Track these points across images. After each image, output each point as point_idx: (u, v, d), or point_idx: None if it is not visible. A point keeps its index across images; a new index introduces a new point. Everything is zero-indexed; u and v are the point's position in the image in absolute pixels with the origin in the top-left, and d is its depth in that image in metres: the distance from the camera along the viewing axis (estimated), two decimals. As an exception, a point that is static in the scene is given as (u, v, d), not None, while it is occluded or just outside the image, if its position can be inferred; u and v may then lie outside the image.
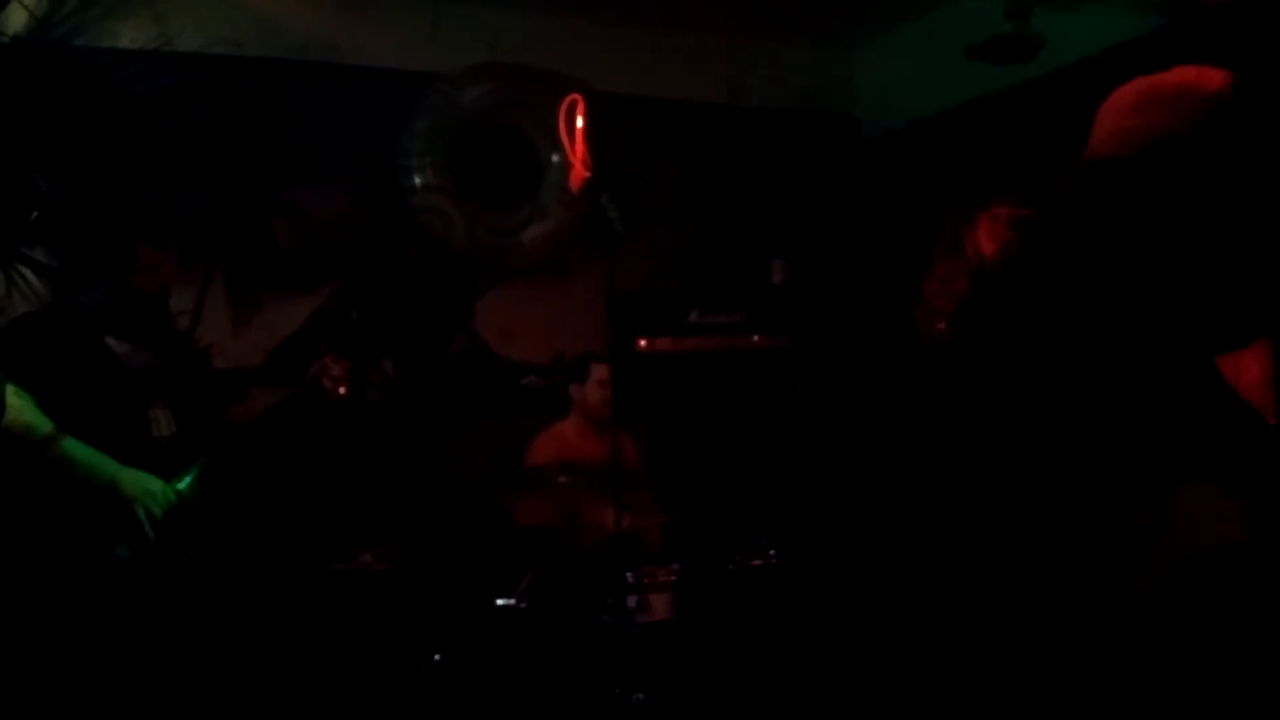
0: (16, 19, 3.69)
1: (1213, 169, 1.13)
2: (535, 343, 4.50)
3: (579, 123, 3.14)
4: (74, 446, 2.62)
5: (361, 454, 4.11)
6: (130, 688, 2.63)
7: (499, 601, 3.28)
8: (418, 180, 4.32)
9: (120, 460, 2.67)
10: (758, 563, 3.51)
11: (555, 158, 4.43)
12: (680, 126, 4.93)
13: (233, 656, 2.95)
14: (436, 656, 3.25)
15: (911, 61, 4.97)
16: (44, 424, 2.60)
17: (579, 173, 3.13)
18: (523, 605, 3.29)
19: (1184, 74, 1.22)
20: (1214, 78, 1.19)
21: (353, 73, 4.33)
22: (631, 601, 3.27)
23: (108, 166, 3.77)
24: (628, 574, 3.30)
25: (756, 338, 4.56)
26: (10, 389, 2.60)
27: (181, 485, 2.76)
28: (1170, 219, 1.13)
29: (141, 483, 2.67)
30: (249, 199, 4.15)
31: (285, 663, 3.24)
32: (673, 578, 3.41)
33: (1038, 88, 4.25)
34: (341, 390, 3.16)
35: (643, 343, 4.42)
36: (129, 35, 3.89)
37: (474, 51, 4.45)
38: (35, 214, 3.57)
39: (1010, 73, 4.12)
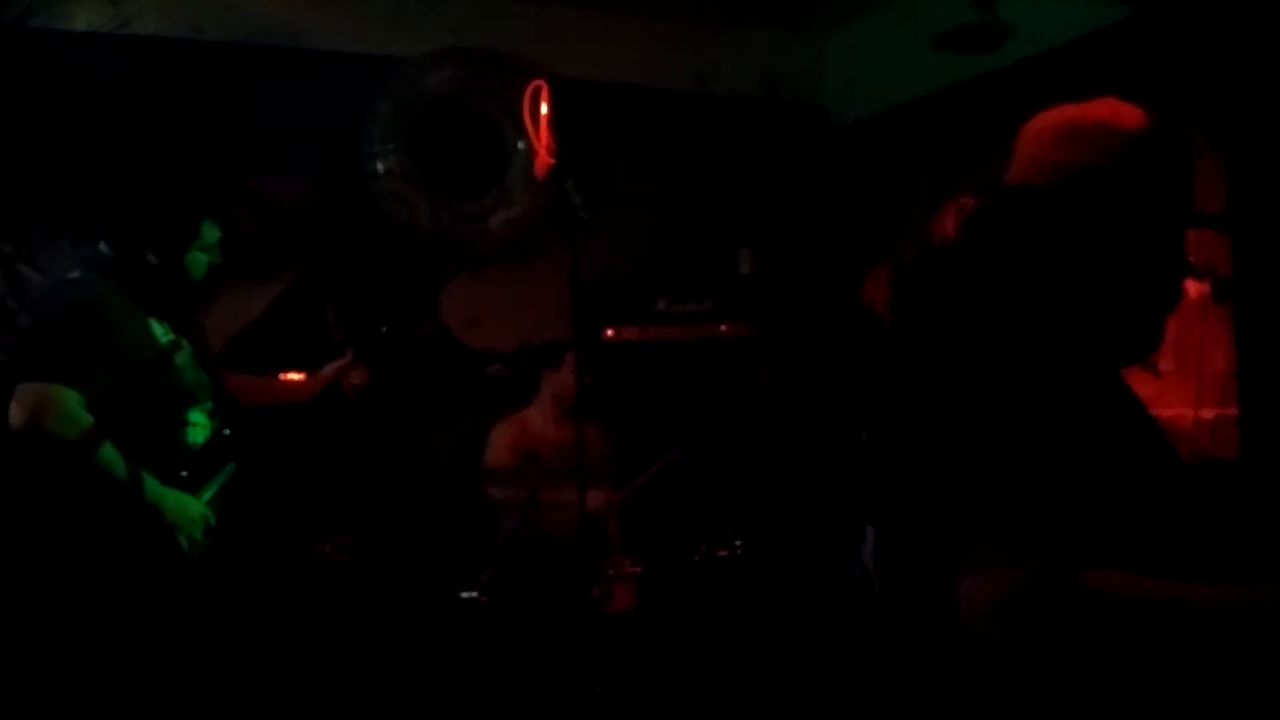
0: (-30, -1, 3.61)
1: (1123, 202, 1.28)
2: (501, 331, 4.46)
3: (544, 108, 3.11)
4: (120, 464, 2.50)
5: (325, 443, 4.07)
6: (93, 682, 2.59)
7: (462, 594, 3.25)
8: (381, 166, 4.27)
9: (155, 464, 2.58)
10: (723, 553, 3.50)
11: (521, 144, 4.38)
12: (647, 113, 4.90)
13: (192, 647, 2.91)
14: (399, 649, 3.22)
15: (880, 50, 4.96)
16: (83, 422, 2.47)
17: (544, 159, 3.10)
18: (484, 599, 3.27)
19: (1103, 109, 1.34)
20: (1131, 115, 1.32)
21: (314, 57, 4.27)
22: (596, 592, 3.25)
23: (63, 151, 3.70)
24: (593, 564, 3.28)
25: (724, 326, 4.55)
26: (67, 394, 2.47)
27: (207, 496, 2.69)
28: (1082, 248, 1.27)
29: (184, 509, 2.59)
30: (209, 184, 4.08)
31: (244, 654, 3.20)
32: (638, 568, 3.40)
33: (1006, 78, 4.25)
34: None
35: (610, 331, 4.39)
36: (85, 17, 3.81)
37: (438, 36, 4.39)
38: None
39: (979, 62, 4.12)
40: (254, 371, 3.26)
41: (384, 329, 3.25)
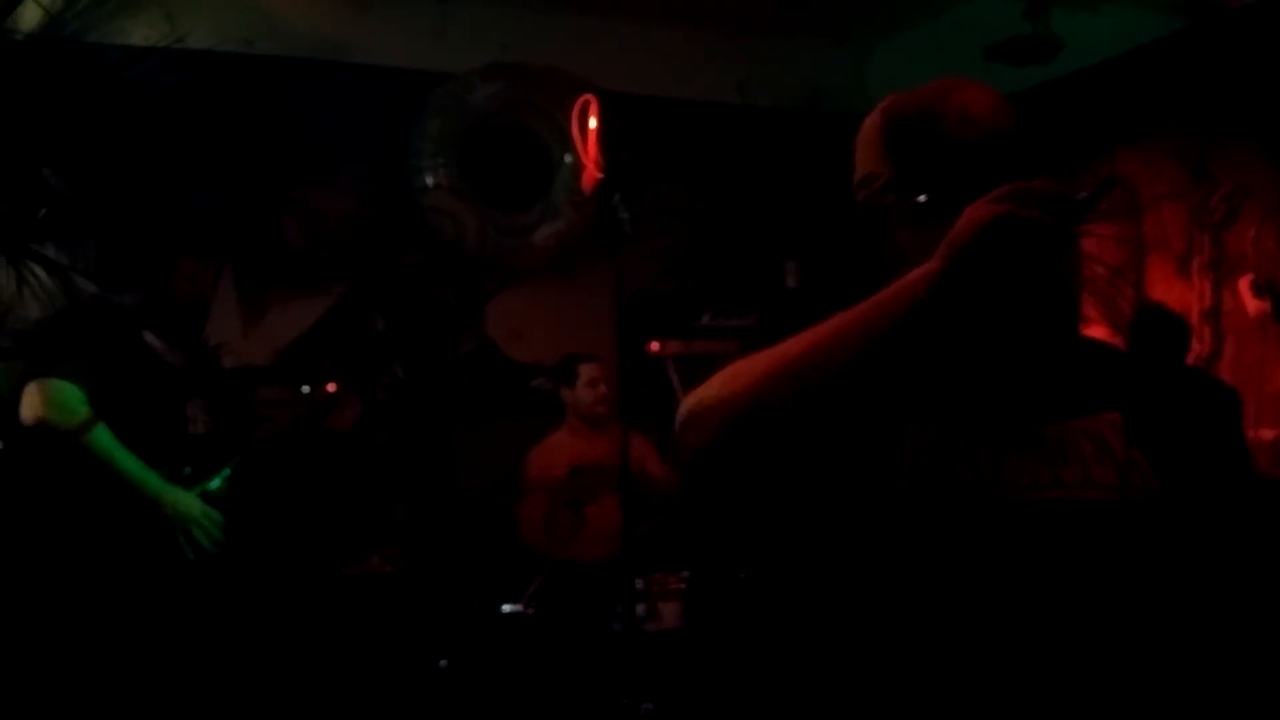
0: (30, 16, 3.68)
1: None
2: (545, 344, 4.46)
3: (592, 124, 3.11)
4: (119, 452, 2.61)
5: (370, 456, 4.09)
6: (138, 689, 2.61)
7: (506, 607, 3.24)
8: (428, 180, 4.29)
9: (156, 454, 2.67)
10: (766, 571, 3.46)
11: (566, 158, 4.39)
12: (691, 126, 4.89)
13: (239, 658, 2.93)
14: (443, 662, 3.22)
15: (928, 61, 4.91)
16: (80, 413, 2.60)
17: (591, 174, 3.09)
18: (530, 611, 3.26)
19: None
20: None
21: (363, 71, 4.31)
22: (640, 609, 3.23)
23: (118, 164, 3.76)
24: (637, 581, 3.26)
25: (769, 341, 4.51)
26: (68, 388, 2.61)
27: (213, 485, 2.76)
28: None
29: (184, 506, 2.67)
30: (259, 198, 4.13)
31: (291, 666, 3.22)
32: (683, 585, 3.37)
33: (1059, 89, 4.19)
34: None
35: (655, 345, 4.38)
36: (140, 32, 3.87)
37: (485, 51, 4.41)
38: (44, 211, 3.56)
39: (1030, 74, 4.07)
40: (304, 383, 3.29)
41: (465, 381, 3.34)
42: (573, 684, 3.19)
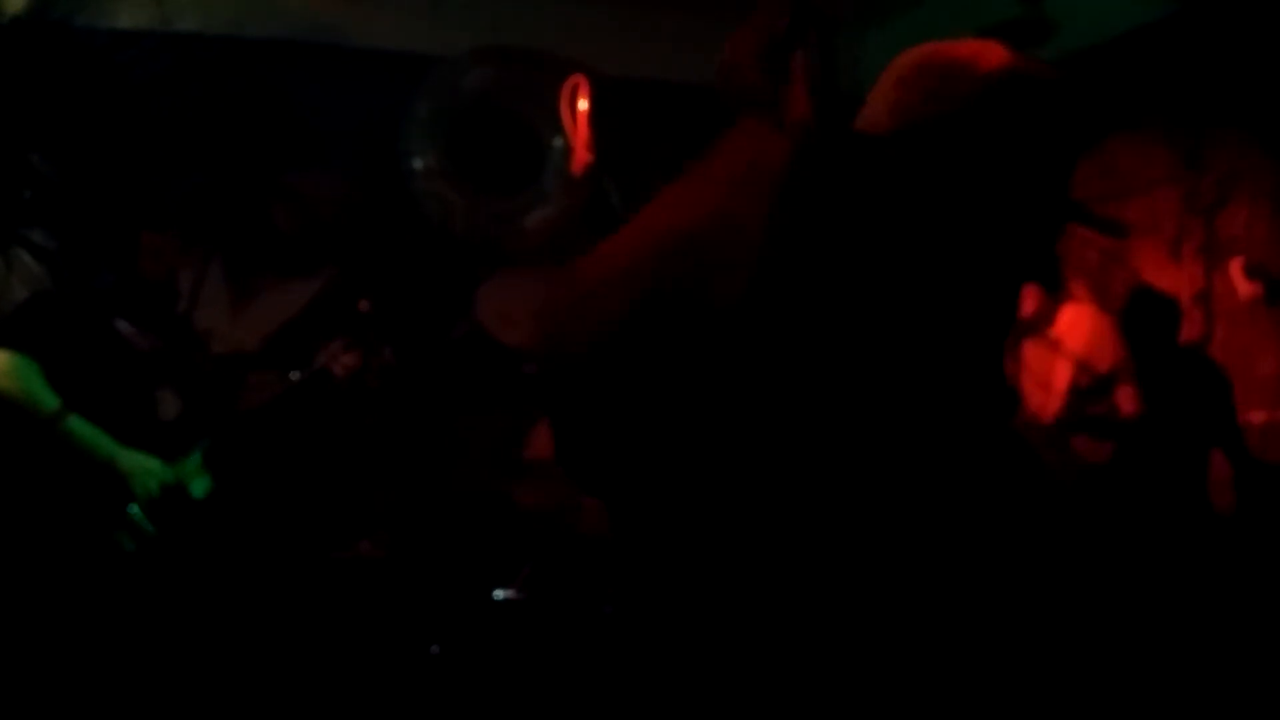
0: (17, -2, 3.66)
1: (967, 152, 1.06)
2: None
3: (582, 105, 3.09)
4: (78, 425, 2.62)
5: (361, 440, 4.08)
6: (122, 674, 2.61)
7: (497, 593, 3.24)
8: (418, 164, 4.27)
9: (125, 441, 2.67)
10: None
11: (558, 142, 4.37)
12: (684, 110, 4.86)
13: (226, 643, 2.93)
14: (435, 648, 3.22)
15: (921, 44, 4.90)
16: (50, 400, 2.60)
17: (581, 157, 3.08)
18: (522, 597, 3.26)
19: (966, 49, 1.12)
20: (993, 57, 1.09)
21: (354, 54, 4.29)
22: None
23: (106, 148, 3.74)
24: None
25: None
26: (20, 360, 2.61)
27: (183, 468, 2.74)
28: (917, 200, 1.04)
29: (138, 461, 2.66)
30: (248, 182, 4.11)
31: (280, 651, 3.21)
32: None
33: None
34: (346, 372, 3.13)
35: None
36: (129, 15, 3.85)
37: (477, 33, 4.39)
38: (29, 193, 3.55)
39: (1021, 58, 4.06)
40: (297, 367, 3.28)
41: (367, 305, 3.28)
42: (565, 668, 3.20)
